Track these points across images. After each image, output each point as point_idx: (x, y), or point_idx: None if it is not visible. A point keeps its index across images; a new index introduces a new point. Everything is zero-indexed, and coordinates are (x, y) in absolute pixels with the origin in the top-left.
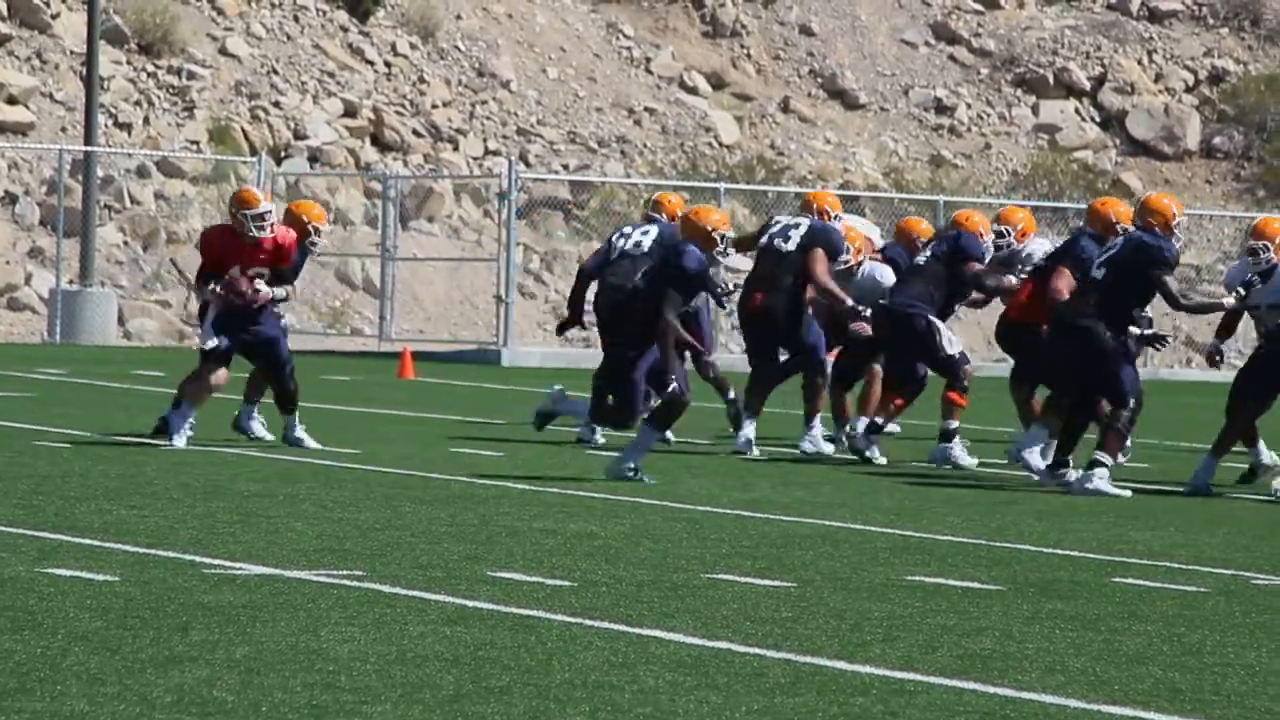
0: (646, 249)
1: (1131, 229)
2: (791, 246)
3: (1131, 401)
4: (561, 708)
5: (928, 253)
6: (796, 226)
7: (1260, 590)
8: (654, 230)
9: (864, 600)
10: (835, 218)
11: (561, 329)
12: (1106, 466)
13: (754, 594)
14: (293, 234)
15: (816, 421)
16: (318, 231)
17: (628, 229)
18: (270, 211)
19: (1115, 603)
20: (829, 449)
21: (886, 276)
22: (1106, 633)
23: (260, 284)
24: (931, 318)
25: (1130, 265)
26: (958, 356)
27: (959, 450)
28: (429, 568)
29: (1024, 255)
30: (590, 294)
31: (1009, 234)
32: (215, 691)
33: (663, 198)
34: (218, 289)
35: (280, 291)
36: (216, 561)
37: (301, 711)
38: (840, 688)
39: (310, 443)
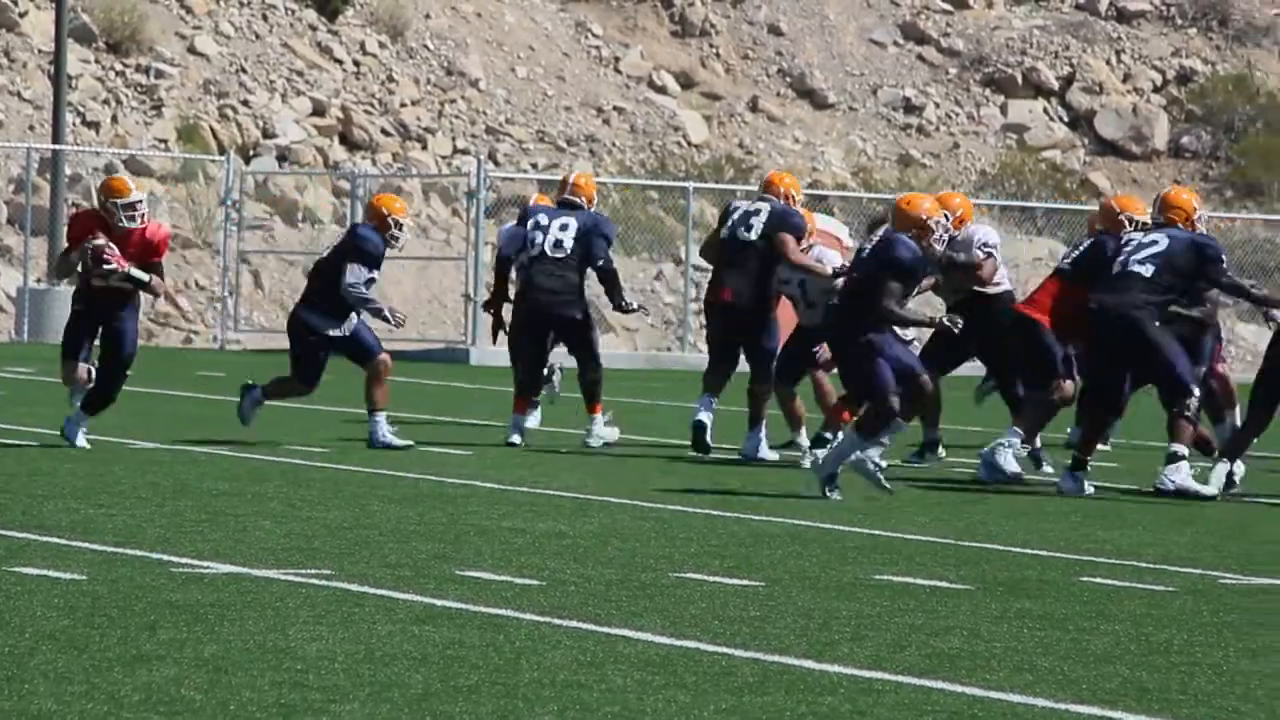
0: (569, 250)
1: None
2: (754, 235)
3: (1195, 388)
4: (530, 707)
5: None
6: (757, 213)
7: (1228, 590)
8: (573, 224)
9: (832, 599)
10: (798, 203)
11: (496, 334)
12: (1185, 458)
13: (722, 593)
14: (165, 230)
15: (762, 427)
16: (399, 225)
17: (542, 218)
18: (142, 201)
19: (1083, 602)
20: (772, 455)
21: (834, 260)
22: (1074, 632)
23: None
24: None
25: (1185, 264)
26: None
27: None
28: (397, 566)
29: (968, 239)
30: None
31: (947, 219)
32: (183, 690)
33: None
34: (85, 247)
35: (143, 275)
36: (184, 560)
37: (270, 710)
38: (808, 687)
39: (395, 441)
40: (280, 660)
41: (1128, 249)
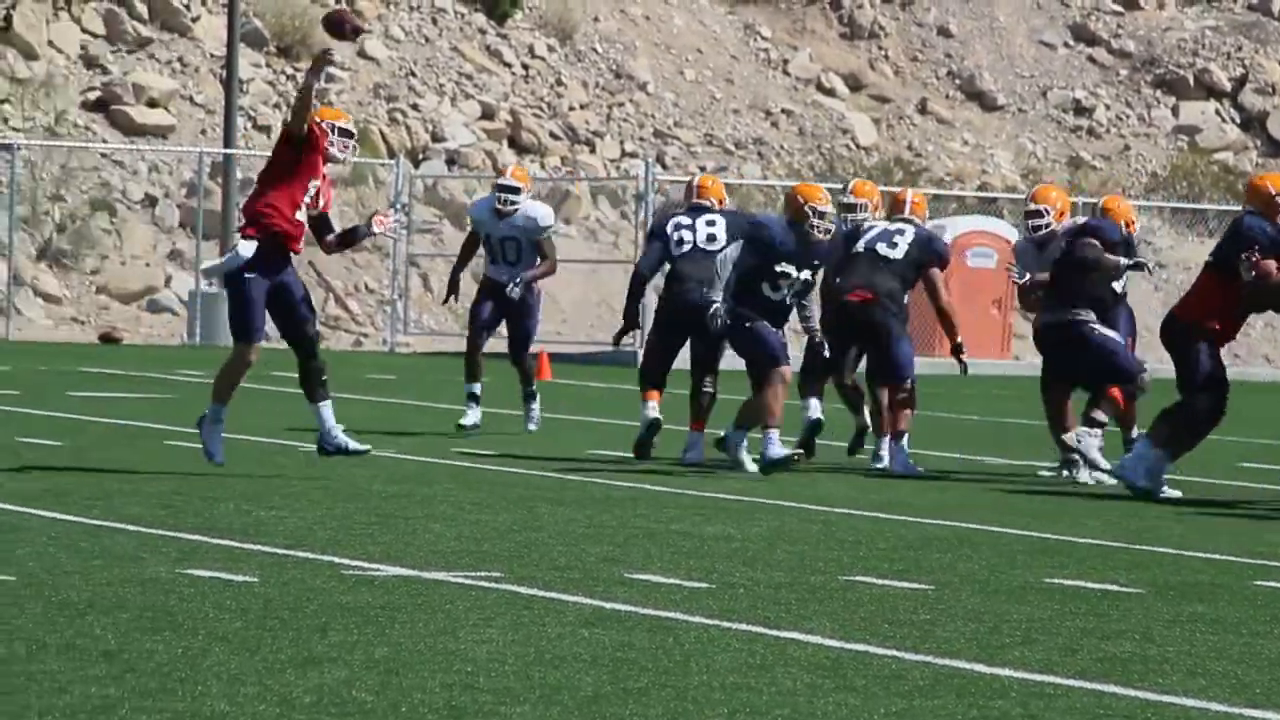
0: (722, 242)
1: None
2: (899, 254)
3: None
4: (699, 709)
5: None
6: (900, 233)
7: None
8: (720, 220)
9: (1002, 602)
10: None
11: (619, 338)
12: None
13: (891, 596)
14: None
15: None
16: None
17: (683, 219)
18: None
19: (1257, 606)
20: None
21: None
22: (1248, 636)
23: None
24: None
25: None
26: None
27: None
28: (566, 569)
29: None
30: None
31: (1048, 214)
32: (354, 692)
33: (704, 181)
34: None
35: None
36: (354, 562)
37: (440, 712)
38: (979, 690)
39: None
40: (450, 662)
41: None
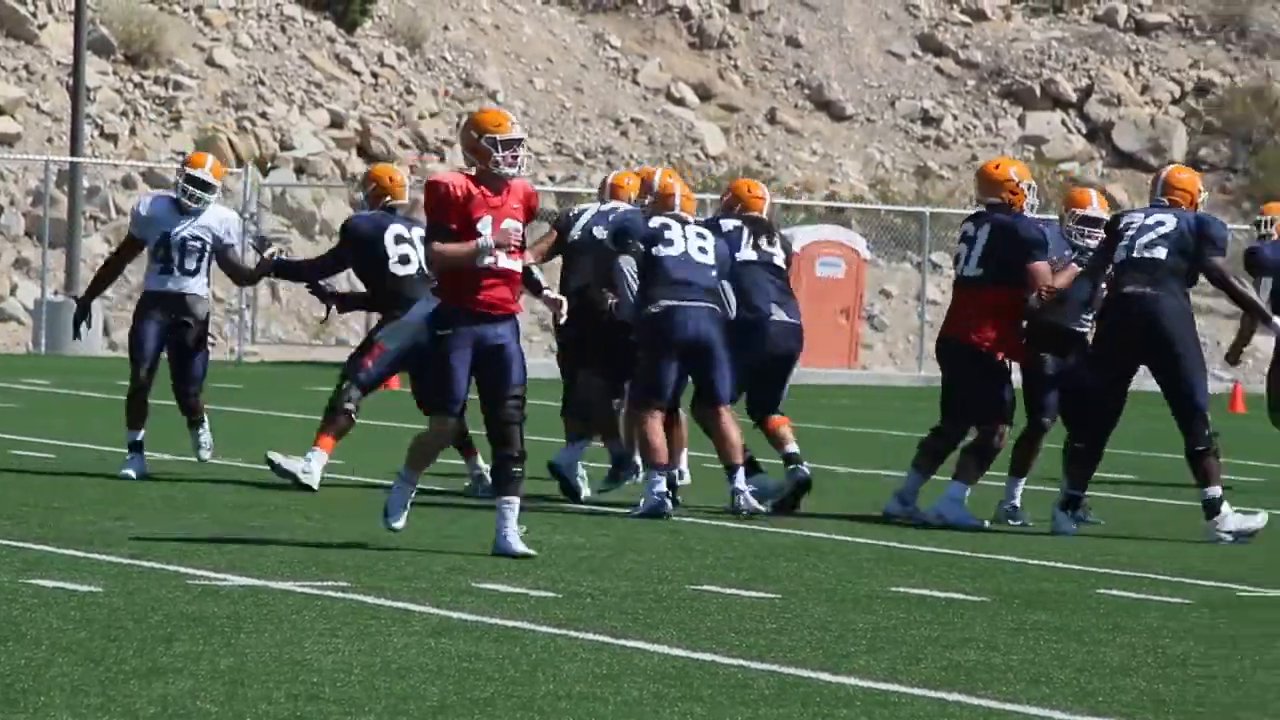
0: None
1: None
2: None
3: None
4: (546, 719)
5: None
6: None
7: (1245, 602)
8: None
9: (848, 611)
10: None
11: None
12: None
13: (738, 605)
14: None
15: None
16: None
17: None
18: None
19: (1100, 614)
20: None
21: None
22: (1091, 644)
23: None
24: None
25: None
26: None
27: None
28: (413, 579)
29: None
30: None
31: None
32: (199, 703)
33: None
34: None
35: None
36: (200, 572)
37: None
38: (825, 699)
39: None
40: (296, 673)
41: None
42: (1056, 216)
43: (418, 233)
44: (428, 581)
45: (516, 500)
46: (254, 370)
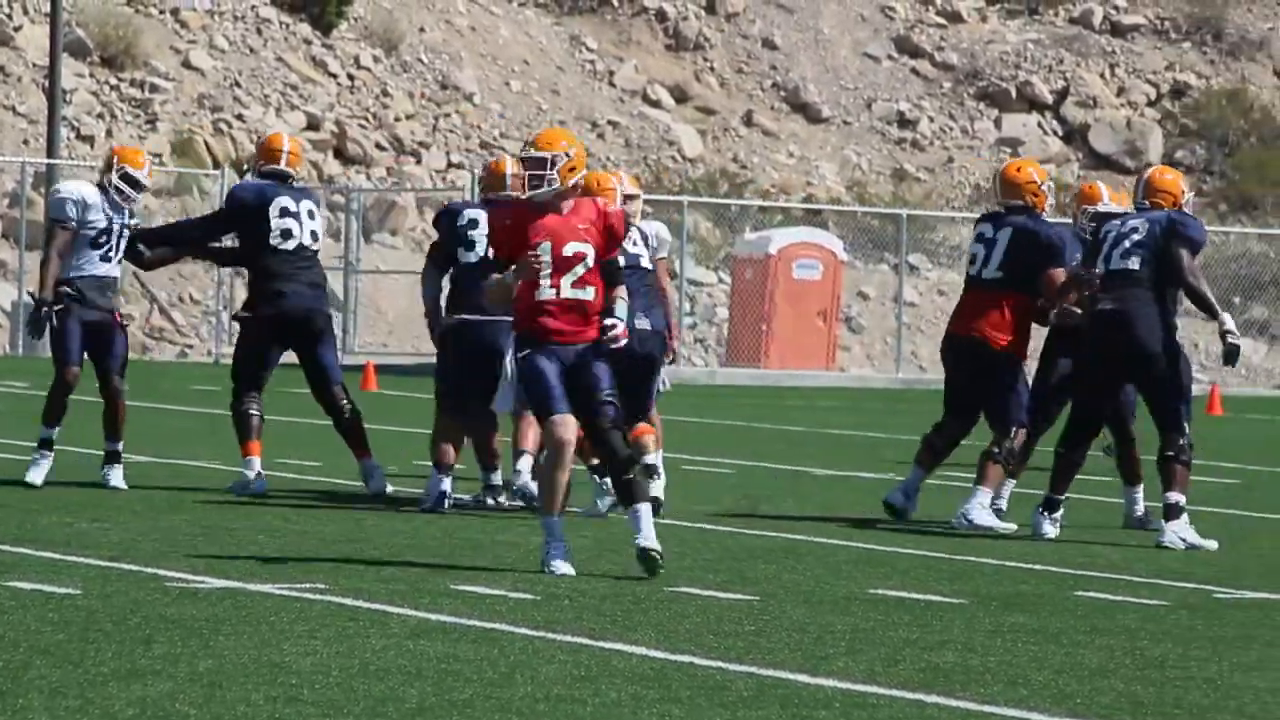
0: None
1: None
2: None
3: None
4: None
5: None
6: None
7: (1222, 604)
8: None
9: (826, 614)
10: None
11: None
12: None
13: (716, 607)
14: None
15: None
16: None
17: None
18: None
19: (1077, 616)
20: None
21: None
22: (1069, 646)
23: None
24: None
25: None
26: None
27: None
28: (392, 581)
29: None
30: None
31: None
32: (178, 705)
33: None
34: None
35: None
36: (179, 575)
37: None
38: (803, 701)
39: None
40: (275, 675)
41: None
42: (1071, 217)
43: (306, 205)
44: (406, 583)
45: (645, 505)
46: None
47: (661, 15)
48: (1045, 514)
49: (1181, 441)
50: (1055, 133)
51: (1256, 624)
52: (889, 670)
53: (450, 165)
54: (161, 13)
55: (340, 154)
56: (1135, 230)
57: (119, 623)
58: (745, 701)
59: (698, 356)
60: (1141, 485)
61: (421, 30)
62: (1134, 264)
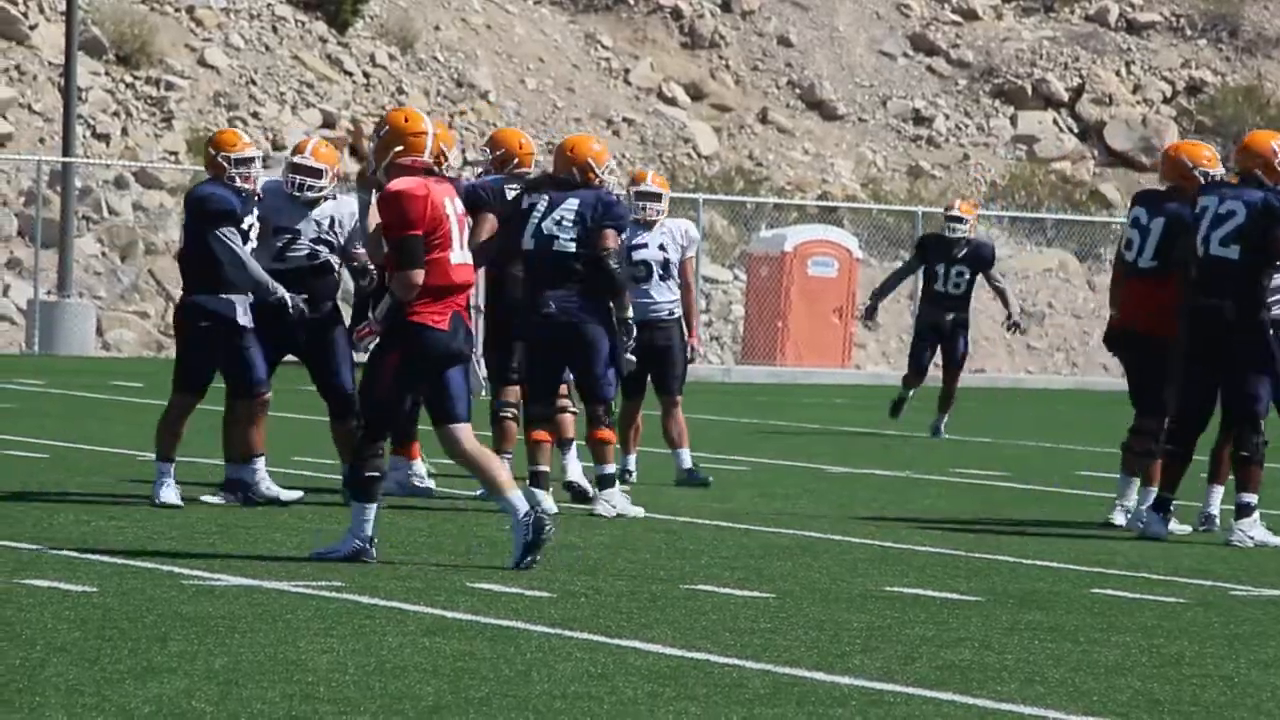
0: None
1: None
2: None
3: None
4: (541, 719)
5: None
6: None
7: (1238, 601)
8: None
9: (843, 611)
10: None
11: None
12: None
13: (733, 605)
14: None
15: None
16: (241, 163)
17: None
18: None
19: (1094, 614)
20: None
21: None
22: (1085, 644)
23: None
24: None
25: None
26: None
27: None
28: (408, 579)
29: None
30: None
31: None
32: (194, 702)
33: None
34: None
35: None
36: (195, 572)
37: None
38: (819, 699)
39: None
40: (291, 672)
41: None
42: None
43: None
44: (422, 581)
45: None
46: None
47: (677, 13)
48: (1158, 513)
49: (1256, 440)
50: (1071, 130)
51: (1274, 621)
52: (905, 668)
53: (466, 163)
54: (177, 11)
55: (356, 152)
56: (1234, 214)
57: (135, 620)
58: (762, 699)
59: (713, 354)
60: (1221, 487)
61: (437, 28)
62: (1233, 254)
